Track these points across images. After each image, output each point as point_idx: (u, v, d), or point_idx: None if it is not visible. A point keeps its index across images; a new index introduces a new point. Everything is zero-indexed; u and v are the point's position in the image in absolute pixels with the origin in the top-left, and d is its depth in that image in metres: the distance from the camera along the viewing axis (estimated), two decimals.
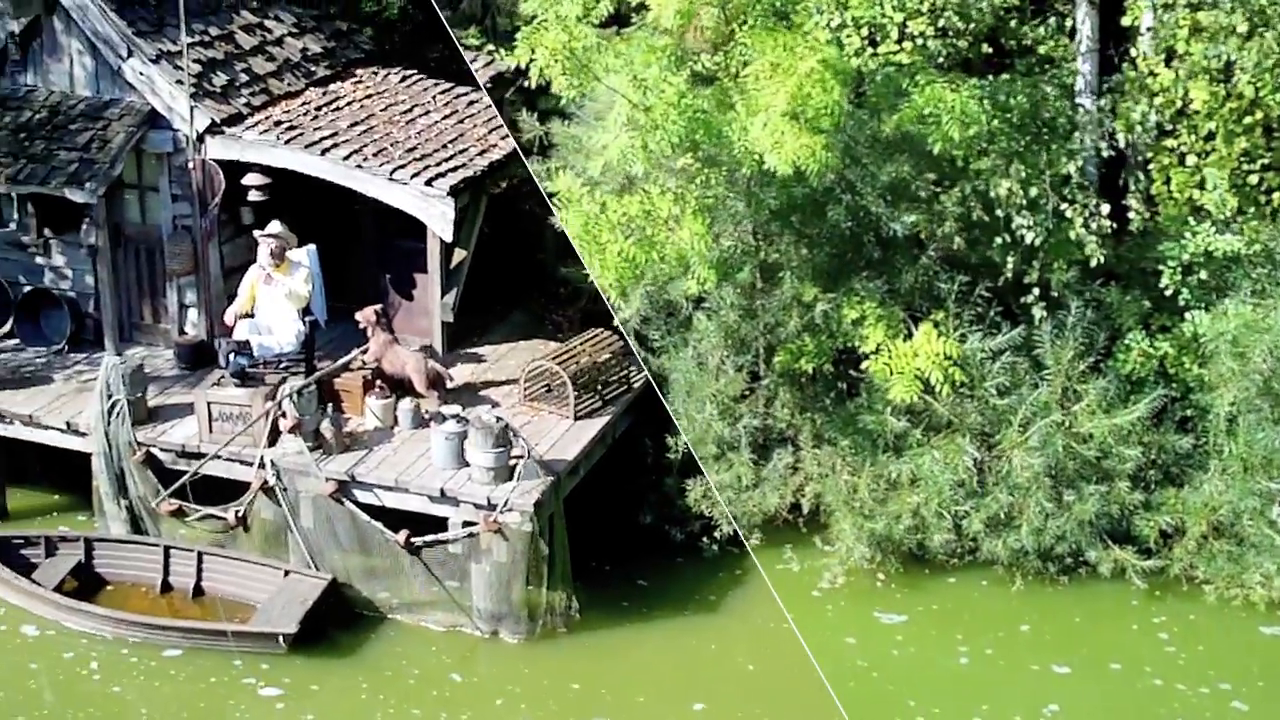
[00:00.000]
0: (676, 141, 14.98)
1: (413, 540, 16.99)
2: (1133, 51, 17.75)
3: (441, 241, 18.49)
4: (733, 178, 16.46)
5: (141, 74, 18.56)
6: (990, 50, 18.41)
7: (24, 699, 15.97)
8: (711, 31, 15.78)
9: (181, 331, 19.45)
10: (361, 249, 19.92)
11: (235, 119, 18.75)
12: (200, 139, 18.58)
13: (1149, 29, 17.55)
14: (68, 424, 18.13)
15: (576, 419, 17.95)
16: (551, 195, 15.75)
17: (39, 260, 19.80)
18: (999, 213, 16.91)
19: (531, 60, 15.14)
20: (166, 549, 17.85)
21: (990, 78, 17.16)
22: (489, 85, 20.18)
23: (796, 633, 15.59)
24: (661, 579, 17.82)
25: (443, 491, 16.89)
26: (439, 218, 18.04)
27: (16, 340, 19.84)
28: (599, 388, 18.25)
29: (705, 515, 17.76)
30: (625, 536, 17.92)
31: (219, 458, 17.60)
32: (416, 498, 17.08)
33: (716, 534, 17.72)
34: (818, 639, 16.46)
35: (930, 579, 17.44)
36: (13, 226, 19.95)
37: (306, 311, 18.41)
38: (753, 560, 17.54)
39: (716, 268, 16.01)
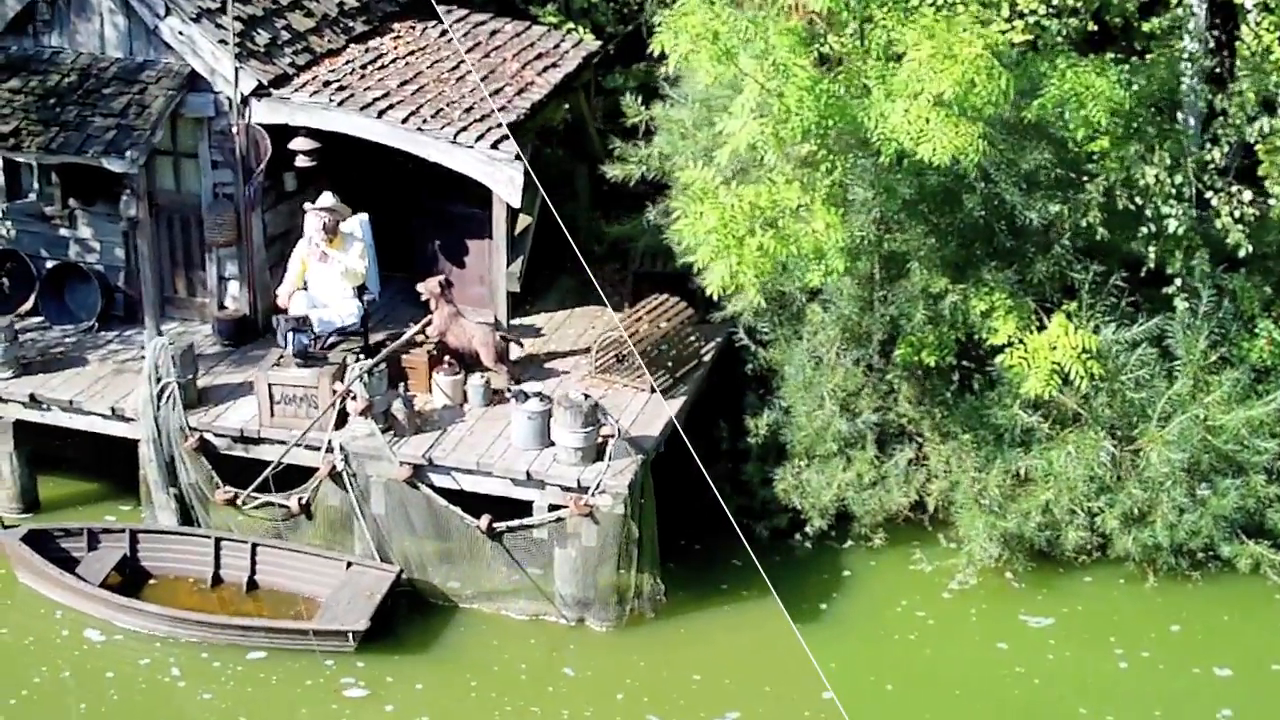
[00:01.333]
0: (809, 129, 14.10)
1: (494, 525, 16.04)
2: (1243, 30, 16.94)
3: (508, 207, 17.37)
4: (862, 166, 15.59)
5: (181, 34, 17.36)
6: (1095, 28, 17.62)
7: (109, 711, 14.91)
8: (827, 12, 14.85)
9: (221, 306, 18.33)
10: (407, 214, 18.77)
11: (282, 80, 17.59)
12: (244, 102, 17.42)
13: (1255, 4, 16.72)
14: (112, 409, 17.00)
15: (653, 392, 17.02)
16: (686, 187, 14.79)
17: (63, 232, 18.60)
18: (1139, 200, 16.21)
19: (675, 46, 14.15)
20: (218, 540, 16.83)
21: (1109, 57, 16.35)
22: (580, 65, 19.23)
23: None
24: (748, 566, 16.89)
25: (529, 474, 15.98)
26: (506, 183, 16.97)
27: (40, 318, 18.57)
28: (670, 361, 17.31)
29: (792, 507, 17.00)
30: (705, 520, 17.00)
31: (282, 443, 16.53)
32: (499, 481, 16.15)
33: (808, 528, 16.93)
34: (966, 644, 15.91)
35: (1063, 578, 16.70)
36: (33, 197, 18.73)
37: (362, 286, 17.34)
38: (841, 551, 17.03)
39: (850, 259, 15.13)
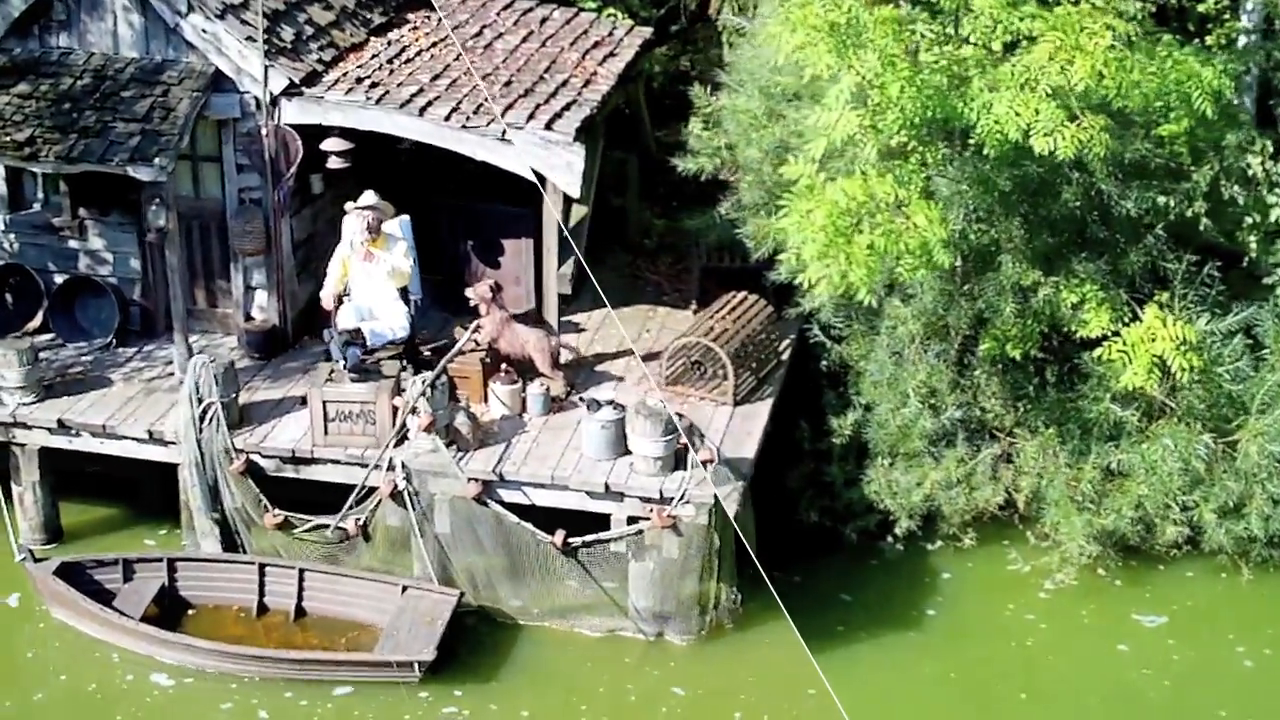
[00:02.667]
0: (911, 120, 13.49)
1: (569, 541, 15.30)
2: None
3: (564, 197, 16.48)
4: (961, 158, 15.00)
5: (204, 31, 16.34)
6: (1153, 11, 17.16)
7: None
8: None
9: (248, 316, 17.36)
10: (436, 213, 17.88)
11: (311, 78, 16.64)
12: (274, 102, 16.46)
13: None
14: (149, 432, 16.01)
15: (738, 404, 16.35)
16: (791, 183, 14.11)
17: (73, 244, 17.53)
18: (1239, 189, 15.86)
19: (789, 38, 13.46)
20: (262, 566, 15.93)
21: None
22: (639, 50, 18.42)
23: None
24: (824, 569, 16.45)
25: (607, 486, 15.24)
26: (564, 169, 16.00)
27: (50, 335, 17.48)
28: (753, 364, 16.66)
29: (881, 508, 16.41)
30: (784, 525, 16.42)
31: (336, 462, 15.67)
32: (574, 494, 15.40)
33: (897, 530, 16.36)
34: (1086, 647, 15.43)
35: (1161, 574, 16.29)
36: (37, 207, 17.62)
37: (404, 289, 16.48)
38: (932, 553, 16.54)
39: (954, 254, 14.56)
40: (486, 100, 16.51)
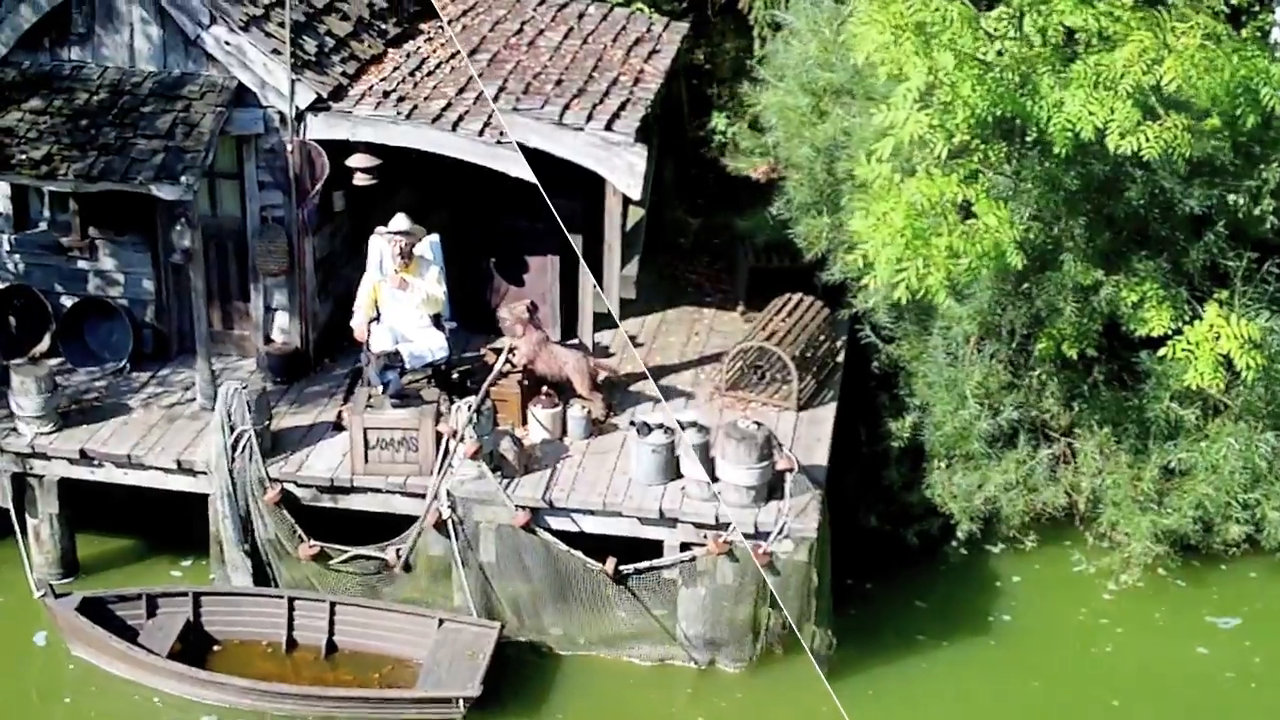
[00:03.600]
0: (983, 118, 13.18)
1: (621, 569, 14.85)
2: None
3: (622, 199, 16.00)
4: (1024, 156, 14.72)
5: (227, 44, 15.72)
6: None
7: None
8: None
9: (268, 339, 16.75)
10: (454, 230, 17.32)
11: (337, 92, 16.06)
12: (299, 117, 15.87)
13: None
14: (178, 462, 15.37)
15: (800, 409, 15.94)
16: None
17: (81, 264, 16.84)
18: None
19: (874, 38, 13.07)
20: (291, 600, 15.34)
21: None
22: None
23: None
24: (891, 575, 16.21)
25: (661, 512, 14.79)
26: (625, 171, 15.51)
27: (58, 359, 16.77)
28: (814, 368, 16.30)
29: (942, 512, 16.12)
30: (843, 530, 16.02)
31: (377, 491, 15.15)
32: (626, 520, 14.94)
33: (960, 533, 16.09)
34: (1167, 651, 15.30)
35: (1224, 574, 16.15)
36: (43, 226, 16.91)
37: (436, 315, 15.97)
38: (995, 556, 16.35)
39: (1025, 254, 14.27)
40: (519, 110, 15.98)
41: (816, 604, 14.71)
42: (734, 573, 14.75)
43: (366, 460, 15.11)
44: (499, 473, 15.03)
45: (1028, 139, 14.47)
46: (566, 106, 15.79)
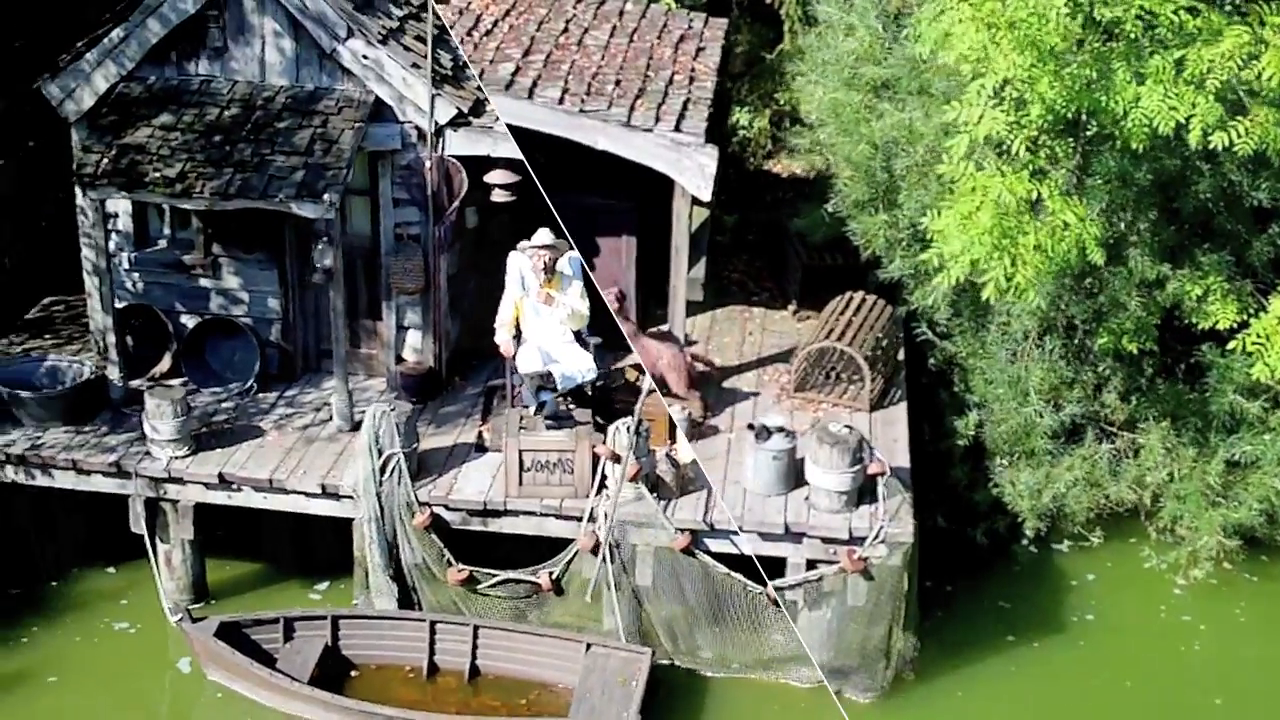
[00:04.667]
0: (1062, 114, 13.03)
1: (777, 588, 14.55)
2: None
3: (692, 200, 15.63)
4: (1089, 152, 14.52)
5: (365, 58, 15.34)
6: None
7: None
8: None
9: (399, 358, 16.38)
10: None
11: (477, 107, 15.70)
12: (439, 133, 15.50)
13: None
14: (323, 487, 14.99)
15: (872, 410, 15.72)
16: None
17: (204, 283, 16.45)
18: None
19: (975, 35, 12.81)
20: (433, 624, 15.00)
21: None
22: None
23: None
24: (967, 576, 16.01)
25: (787, 527, 14.38)
26: (695, 172, 15.16)
27: (180, 380, 16.37)
28: (882, 367, 16.04)
29: (1010, 510, 15.89)
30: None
31: (531, 514, 14.82)
32: (746, 536, 14.58)
33: (1027, 531, 15.88)
34: (1255, 648, 15.18)
35: None
36: (163, 244, 16.50)
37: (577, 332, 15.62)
38: (1065, 554, 16.29)
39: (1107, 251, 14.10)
40: (593, 83, 15.65)
41: (905, 609, 14.45)
42: (868, 592, 14.37)
43: (521, 483, 14.77)
44: (655, 494, 14.69)
45: (1088, 133, 14.23)
46: (632, 107, 15.43)
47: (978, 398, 16.12)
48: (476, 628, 14.96)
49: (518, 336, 15.38)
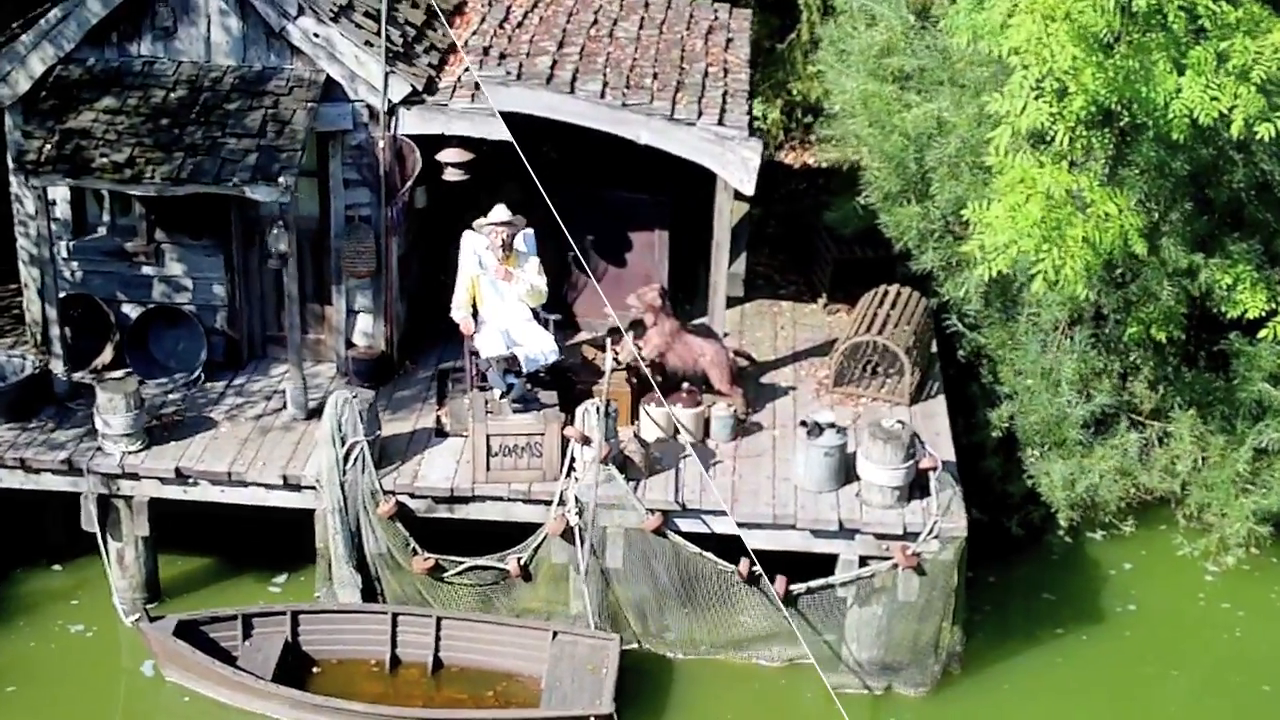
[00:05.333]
0: (1101, 105, 12.99)
1: (792, 588, 14.33)
2: None
3: (734, 194, 15.45)
4: (1125, 142, 14.54)
5: (316, 35, 14.97)
6: None
7: None
8: None
9: (349, 343, 16.04)
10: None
11: (430, 85, 15.40)
12: (391, 111, 15.18)
13: None
14: (284, 478, 14.65)
15: (914, 402, 15.68)
16: (992, 171, 13.45)
17: (146, 270, 15.97)
18: None
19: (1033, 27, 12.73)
20: (395, 616, 14.71)
21: None
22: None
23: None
24: (1005, 566, 15.99)
25: (842, 523, 14.20)
26: (738, 165, 14.97)
27: (125, 370, 15.91)
28: (920, 360, 16.01)
29: (1044, 500, 15.85)
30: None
31: (498, 499, 14.58)
32: (798, 534, 14.36)
33: (1061, 521, 15.85)
34: None
35: None
36: (102, 231, 16.01)
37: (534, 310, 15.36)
38: (1100, 543, 16.22)
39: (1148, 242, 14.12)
40: (629, 75, 15.46)
41: (955, 603, 14.38)
42: (920, 587, 14.23)
43: (489, 468, 14.52)
44: (625, 475, 14.51)
45: (1120, 124, 14.27)
46: (674, 101, 15.24)
47: (1007, 389, 16.06)
48: (439, 619, 14.70)
49: (477, 316, 15.07)
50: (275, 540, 15.56)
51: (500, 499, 14.56)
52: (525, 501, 14.55)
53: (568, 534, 14.44)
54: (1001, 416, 15.93)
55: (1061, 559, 16.25)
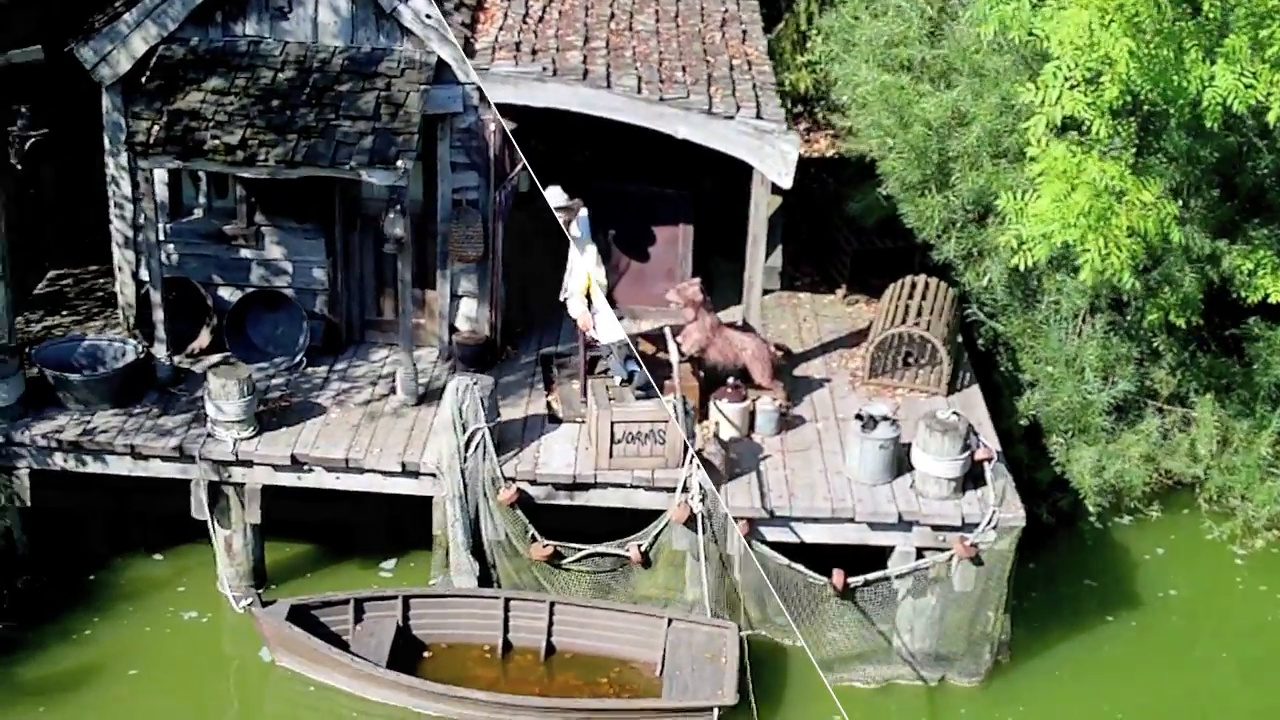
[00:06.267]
0: (1140, 94, 13.00)
1: (849, 582, 14.26)
2: None
3: (772, 188, 15.33)
4: (1152, 131, 14.54)
5: (428, 17, 14.72)
6: None
7: None
8: None
9: (453, 328, 15.85)
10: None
11: (468, 46, 15.16)
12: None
13: None
14: (403, 465, 14.46)
15: (952, 392, 15.65)
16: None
17: (244, 253, 15.71)
18: None
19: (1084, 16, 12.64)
20: (507, 601, 14.58)
21: None
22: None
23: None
24: (1042, 553, 15.93)
25: (900, 516, 14.19)
26: (777, 159, 14.87)
27: (222, 354, 15.67)
28: (952, 350, 15.95)
29: (1073, 487, 15.85)
30: None
31: (621, 486, 14.45)
32: (855, 527, 14.30)
33: (1089, 507, 15.88)
34: None
35: None
36: (198, 214, 15.73)
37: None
38: (1128, 528, 16.38)
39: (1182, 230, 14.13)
40: (660, 70, 15.29)
41: (1008, 593, 14.38)
42: (976, 577, 14.20)
43: (612, 455, 14.38)
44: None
45: (1142, 111, 14.26)
46: (710, 95, 15.08)
47: (1029, 376, 16.05)
48: (553, 604, 14.58)
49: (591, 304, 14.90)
50: (381, 525, 15.35)
51: (623, 486, 14.43)
52: (648, 489, 14.40)
53: (690, 521, 14.29)
54: (1028, 404, 15.91)
55: (1095, 545, 16.27)
